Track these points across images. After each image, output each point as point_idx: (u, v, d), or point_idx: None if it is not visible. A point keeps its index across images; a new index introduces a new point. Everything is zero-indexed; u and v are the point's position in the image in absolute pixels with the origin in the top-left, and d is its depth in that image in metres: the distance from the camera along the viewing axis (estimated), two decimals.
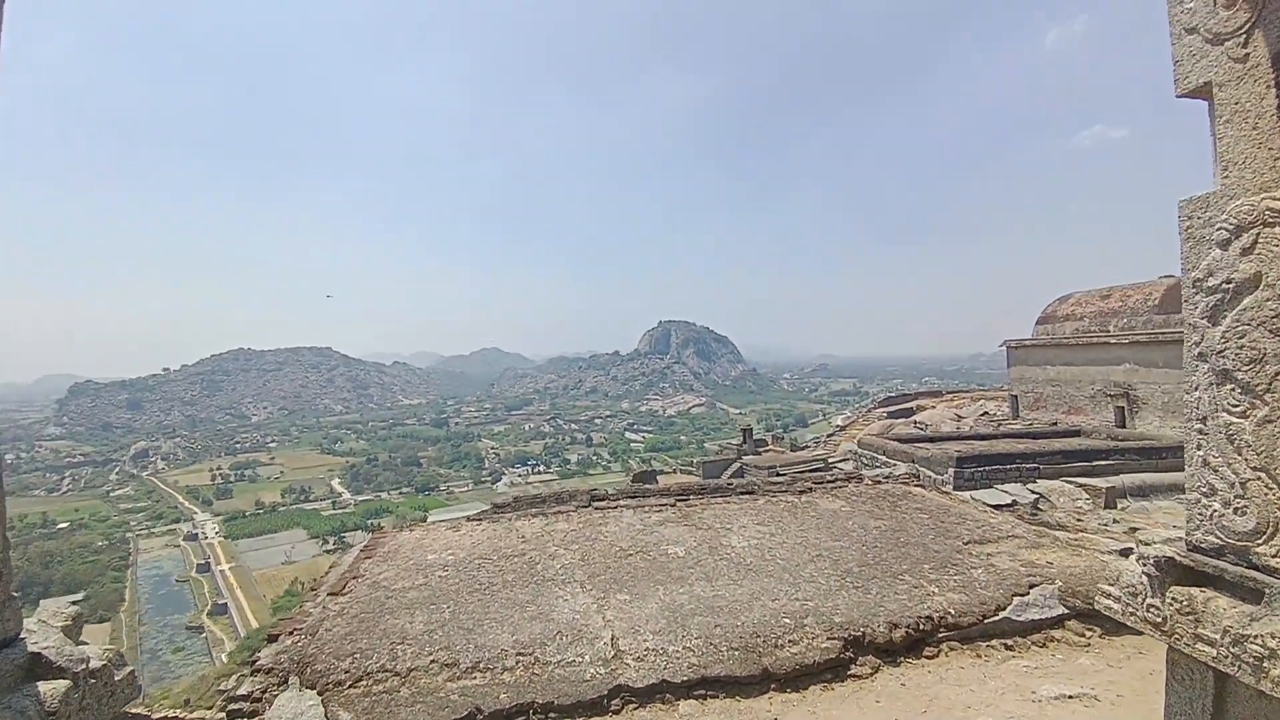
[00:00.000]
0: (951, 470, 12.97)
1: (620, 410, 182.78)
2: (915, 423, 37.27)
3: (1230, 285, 2.05)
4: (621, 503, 6.77)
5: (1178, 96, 2.29)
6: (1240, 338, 2.03)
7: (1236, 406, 2.02)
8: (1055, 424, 25.13)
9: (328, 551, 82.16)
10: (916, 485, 7.52)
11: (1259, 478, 1.96)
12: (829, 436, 45.90)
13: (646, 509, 6.62)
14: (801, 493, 7.13)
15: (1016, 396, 27.67)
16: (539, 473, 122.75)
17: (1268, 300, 1.96)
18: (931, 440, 18.52)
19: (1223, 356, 2.07)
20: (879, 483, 7.56)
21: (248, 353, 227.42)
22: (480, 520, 6.54)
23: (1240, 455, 2.01)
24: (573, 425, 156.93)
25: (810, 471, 25.25)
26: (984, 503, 7.45)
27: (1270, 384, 1.93)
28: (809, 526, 6.03)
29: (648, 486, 7.75)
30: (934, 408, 40.86)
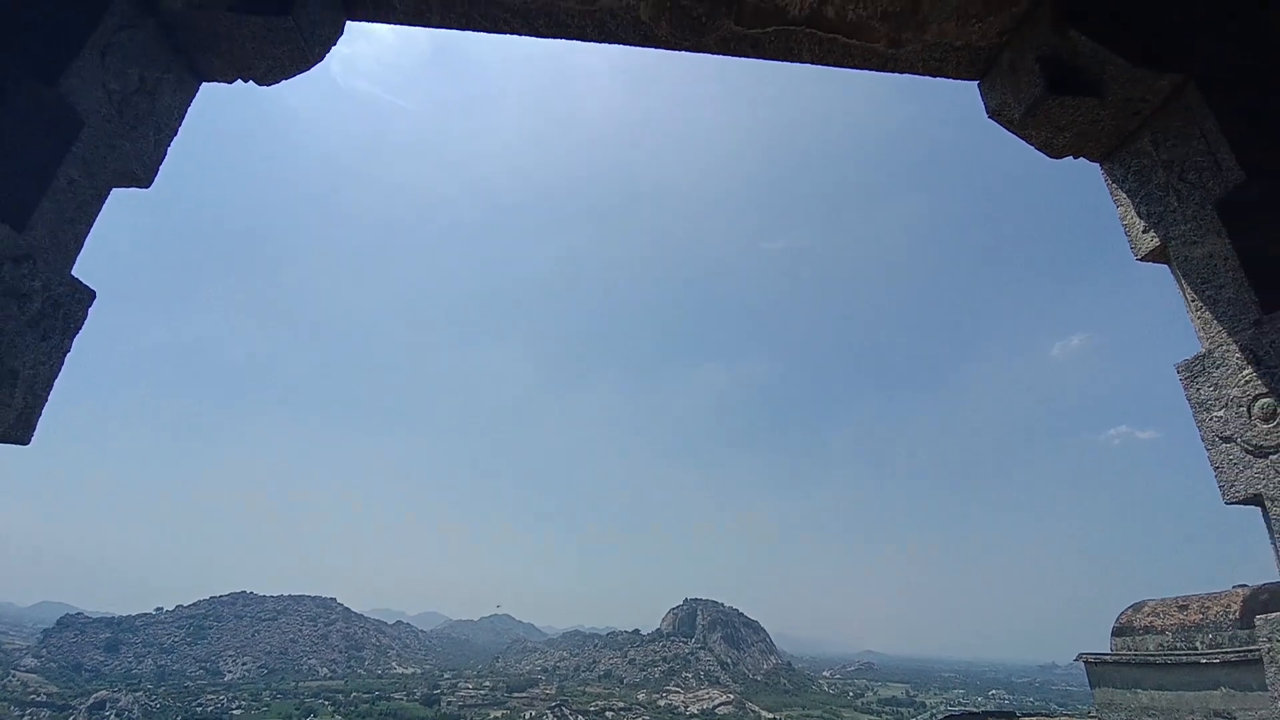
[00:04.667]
0: None
1: (636, 702, 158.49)
2: None
3: None
4: None
5: (1227, 503, 2.12)
6: None
7: None
8: None
9: None
10: None
11: None
12: None
13: None
14: None
15: None
16: None
17: None
18: None
19: None
20: None
21: (247, 597, 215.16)
22: None
23: None
24: (580, 718, 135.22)
25: None
26: None
27: None
28: None
29: None
30: None
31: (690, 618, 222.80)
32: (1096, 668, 24.44)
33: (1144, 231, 2.46)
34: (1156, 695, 21.57)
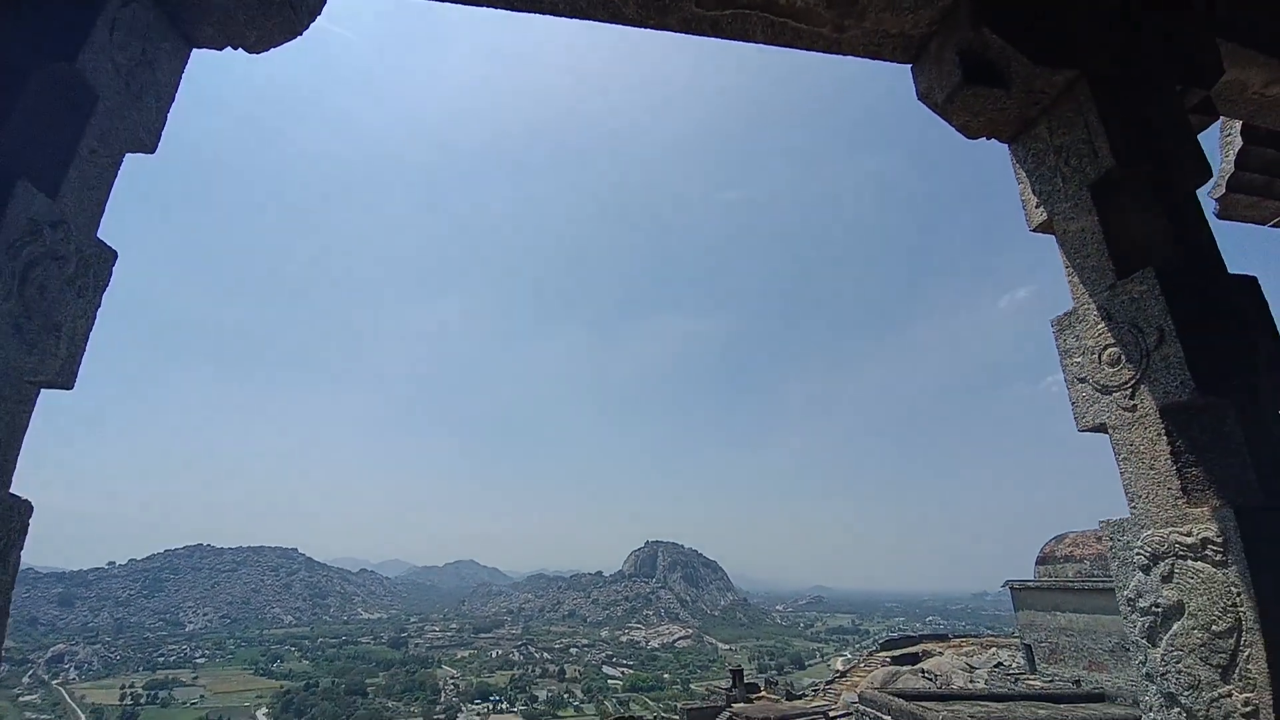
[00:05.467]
0: None
1: (599, 639, 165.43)
2: (923, 672, 33.83)
3: (1159, 610, 2.13)
4: None
5: (1079, 431, 2.56)
6: (1176, 662, 2.06)
7: None
8: (1079, 683, 22.95)
9: None
10: None
11: None
12: (828, 683, 41.26)
13: None
14: None
15: (1030, 647, 25.76)
16: (501, 710, 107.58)
17: (1194, 629, 2.02)
18: (941, 699, 16.82)
19: (1165, 679, 2.09)
20: None
21: (205, 549, 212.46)
22: None
23: None
24: (545, 654, 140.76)
25: None
26: None
27: (1208, 710, 1.96)
28: None
29: None
30: (942, 654, 37.42)
31: (651, 559, 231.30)
32: (1021, 593, 26.84)
33: (1036, 207, 2.87)
34: (1074, 617, 23.90)
